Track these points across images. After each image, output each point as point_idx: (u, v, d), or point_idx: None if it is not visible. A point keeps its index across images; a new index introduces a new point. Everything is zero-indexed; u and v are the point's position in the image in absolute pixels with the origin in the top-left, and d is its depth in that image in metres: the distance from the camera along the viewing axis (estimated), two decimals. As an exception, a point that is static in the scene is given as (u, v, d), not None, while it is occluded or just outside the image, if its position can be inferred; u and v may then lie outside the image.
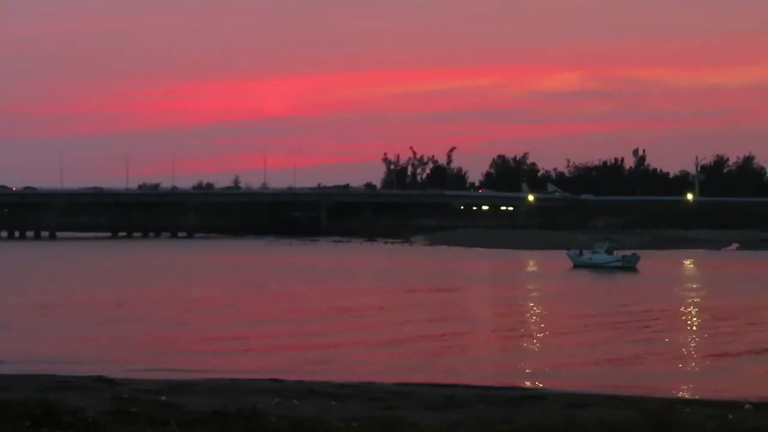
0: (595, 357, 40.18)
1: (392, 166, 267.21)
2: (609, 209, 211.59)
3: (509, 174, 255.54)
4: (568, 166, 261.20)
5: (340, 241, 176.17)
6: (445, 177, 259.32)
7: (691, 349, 43.81)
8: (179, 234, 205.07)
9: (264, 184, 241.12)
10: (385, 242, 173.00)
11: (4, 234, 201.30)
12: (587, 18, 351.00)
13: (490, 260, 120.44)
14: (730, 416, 23.81)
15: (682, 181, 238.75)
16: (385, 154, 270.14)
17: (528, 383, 33.70)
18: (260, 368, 35.70)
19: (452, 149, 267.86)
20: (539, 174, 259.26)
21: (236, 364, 37.31)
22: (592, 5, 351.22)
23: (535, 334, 49.82)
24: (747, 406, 26.18)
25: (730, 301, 65.62)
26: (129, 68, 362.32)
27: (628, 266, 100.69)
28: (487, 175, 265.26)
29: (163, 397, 24.91)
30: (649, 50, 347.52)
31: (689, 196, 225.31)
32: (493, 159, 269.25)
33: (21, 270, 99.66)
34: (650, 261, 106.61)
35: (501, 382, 32.93)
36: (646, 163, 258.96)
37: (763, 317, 56.95)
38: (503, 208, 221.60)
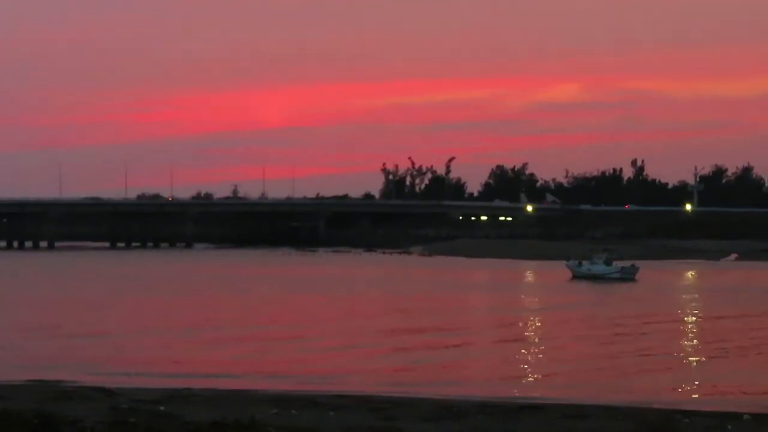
0: (594, 368, 40.14)
1: (391, 177, 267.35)
2: (607, 220, 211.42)
3: (508, 184, 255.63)
4: (566, 176, 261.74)
5: (338, 251, 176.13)
6: (444, 187, 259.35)
7: (689, 360, 43.75)
8: (178, 244, 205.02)
9: (263, 194, 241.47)
10: (384, 252, 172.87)
11: (3, 244, 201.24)
12: (586, 29, 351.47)
13: (489, 270, 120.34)
14: (729, 427, 23.79)
15: (681, 192, 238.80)
16: (384, 164, 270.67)
17: (527, 394, 33.63)
18: (259, 378, 35.66)
19: (451, 159, 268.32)
20: (538, 184, 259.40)
21: (235, 373, 37.25)
22: (591, 17, 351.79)
23: (534, 345, 49.77)
24: (746, 416, 26.16)
25: (728, 312, 65.53)
26: (128, 79, 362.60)
27: (627, 277, 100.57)
28: (486, 185, 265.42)
29: (162, 408, 24.88)
30: (648, 61, 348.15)
31: (688, 207, 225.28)
32: (492, 169, 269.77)
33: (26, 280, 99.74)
34: (649, 272, 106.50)
35: (500, 393, 32.87)
36: (644, 173, 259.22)
37: (762, 327, 56.88)
38: (502, 218, 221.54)
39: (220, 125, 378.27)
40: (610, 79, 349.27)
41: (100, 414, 22.56)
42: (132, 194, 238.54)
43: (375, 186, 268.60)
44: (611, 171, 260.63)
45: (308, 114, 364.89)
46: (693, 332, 55.57)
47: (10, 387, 30.50)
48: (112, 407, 24.54)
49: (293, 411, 25.37)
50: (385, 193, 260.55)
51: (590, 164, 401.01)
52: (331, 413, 25.37)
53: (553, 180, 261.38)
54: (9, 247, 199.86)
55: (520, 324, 59.34)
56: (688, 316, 64.47)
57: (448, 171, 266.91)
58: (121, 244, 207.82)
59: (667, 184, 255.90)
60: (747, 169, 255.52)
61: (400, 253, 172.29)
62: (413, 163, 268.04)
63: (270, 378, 36.59)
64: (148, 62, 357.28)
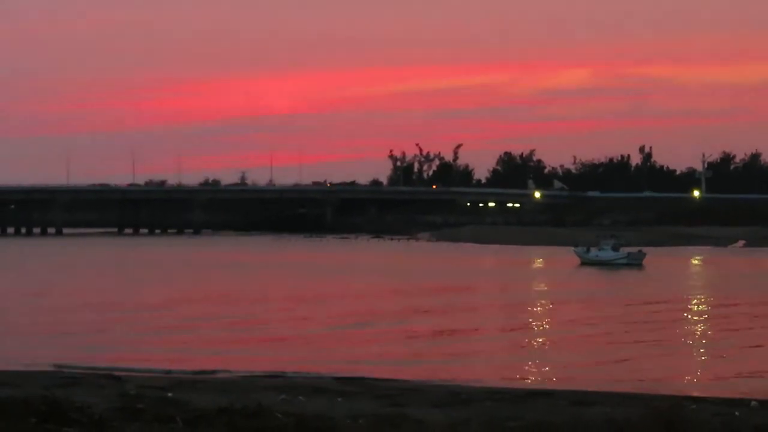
0: (602, 354, 40.14)
1: (398, 163, 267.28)
2: (615, 206, 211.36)
3: (516, 171, 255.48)
4: (574, 163, 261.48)
5: (346, 238, 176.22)
6: (452, 174, 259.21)
7: (697, 346, 43.75)
8: (186, 230, 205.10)
9: (270, 180, 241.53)
10: (391, 239, 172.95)
11: (11, 230, 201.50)
12: (595, 15, 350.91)
13: (497, 257, 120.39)
14: (737, 413, 23.77)
15: (689, 178, 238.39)
16: (391, 150, 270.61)
17: (535, 381, 33.66)
18: (267, 365, 35.71)
19: (459, 146, 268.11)
20: (546, 171, 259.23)
21: (243, 360, 37.31)
22: (599, 3, 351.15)
23: (542, 331, 49.80)
24: (753, 403, 26.14)
25: (735, 298, 65.50)
26: (136, 65, 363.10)
27: (634, 263, 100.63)
28: (494, 171, 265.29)
29: (170, 394, 24.90)
30: (656, 47, 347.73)
31: (696, 193, 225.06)
32: (500, 156, 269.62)
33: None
34: (656, 258, 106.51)
35: (508, 379, 32.90)
36: (652, 160, 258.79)
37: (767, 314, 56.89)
38: (510, 205, 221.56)
39: (228, 112, 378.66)
40: (618, 65, 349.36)
41: (108, 400, 22.60)
42: (139, 181, 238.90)
43: (383, 172, 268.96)
44: (619, 158, 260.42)
45: (316, 100, 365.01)
46: (700, 319, 55.55)
47: (18, 374, 30.59)
48: (120, 394, 24.57)
49: (301, 397, 25.40)
50: (393, 179, 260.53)
51: (598, 151, 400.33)
52: (338, 399, 25.39)
53: (561, 166, 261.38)
54: (17, 233, 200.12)
55: (528, 311, 59.33)
56: (694, 303, 64.44)
57: (455, 157, 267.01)
58: (128, 231, 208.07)
59: (674, 170, 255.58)
60: (755, 156, 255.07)
61: (407, 239, 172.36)
62: (421, 150, 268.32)
63: (274, 353, 36.80)
64: (155, 48, 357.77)
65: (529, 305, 62.30)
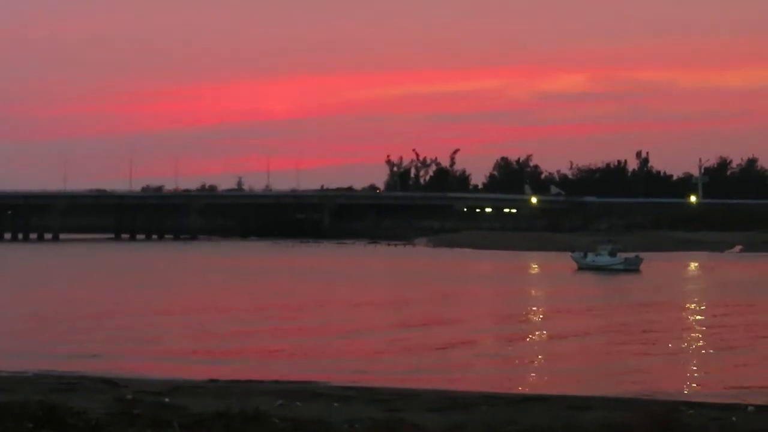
0: (599, 359, 40.14)
1: (395, 168, 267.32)
2: (612, 211, 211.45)
3: (513, 176, 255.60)
4: (571, 168, 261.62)
5: (343, 243, 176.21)
6: (448, 179, 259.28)
7: (693, 351, 43.74)
8: (182, 236, 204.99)
9: (267, 186, 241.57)
10: (388, 244, 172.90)
11: (8, 236, 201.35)
12: (591, 20, 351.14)
13: (494, 263, 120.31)
14: (734, 418, 23.81)
15: (686, 183, 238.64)
16: (388, 156, 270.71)
17: (531, 386, 33.64)
18: (263, 370, 35.69)
19: (455, 151, 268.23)
20: (542, 176, 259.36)
21: (240, 366, 37.29)
22: (597, 7, 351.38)
23: (538, 337, 49.77)
24: (750, 408, 26.17)
25: (732, 303, 65.51)
26: (132, 70, 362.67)
27: (631, 268, 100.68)
28: (491, 177, 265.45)
29: (166, 399, 24.89)
30: (653, 52, 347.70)
31: (692, 198, 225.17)
32: (497, 161, 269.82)
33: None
34: (653, 263, 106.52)
35: (504, 385, 32.89)
36: (649, 165, 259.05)
37: (764, 319, 56.86)
38: (506, 210, 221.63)
39: (225, 117, 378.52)
40: (615, 70, 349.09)
41: (105, 405, 22.59)
42: (136, 186, 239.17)
43: (380, 178, 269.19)
44: (616, 163, 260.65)
45: (313, 105, 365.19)
46: (696, 324, 55.54)
47: (14, 379, 30.56)
48: (117, 399, 24.56)
49: (298, 402, 25.40)
50: (390, 185, 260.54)
51: (595, 155, 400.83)
52: (335, 405, 25.39)
53: (558, 171, 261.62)
54: (14, 239, 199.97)
55: (525, 317, 59.30)
56: (691, 308, 64.46)
57: (452, 163, 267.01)
58: (125, 236, 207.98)
59: (671, 175, 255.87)
60: (752, 161, 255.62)
61: (404, 245, 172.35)
62: (418, 155, 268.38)
63: (270, 358, 36.72)
64: (153, 53, 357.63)
65: (525, 311, 62.24)
